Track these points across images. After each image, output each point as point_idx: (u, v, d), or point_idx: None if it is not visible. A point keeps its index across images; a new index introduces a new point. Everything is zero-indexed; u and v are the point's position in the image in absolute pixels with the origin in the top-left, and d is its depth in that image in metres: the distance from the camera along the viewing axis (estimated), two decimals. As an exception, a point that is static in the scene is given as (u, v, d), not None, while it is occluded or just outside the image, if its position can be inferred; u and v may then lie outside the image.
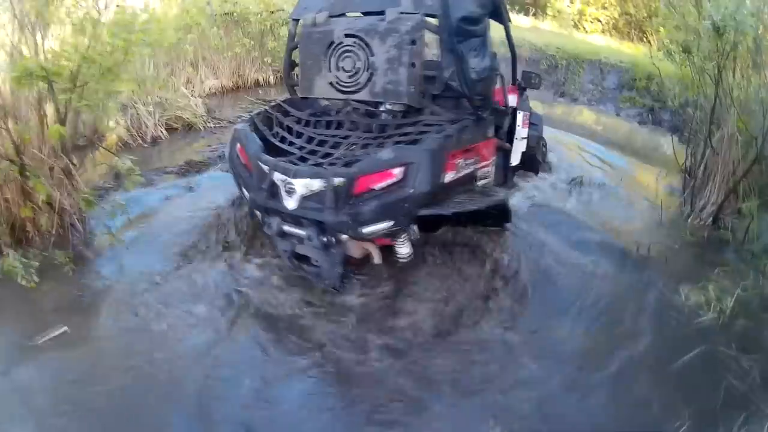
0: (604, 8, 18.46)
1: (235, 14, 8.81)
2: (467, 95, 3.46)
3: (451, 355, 2.96)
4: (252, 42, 8.88)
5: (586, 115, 9.01)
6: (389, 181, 3.01)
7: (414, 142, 3.24)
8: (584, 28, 18.19)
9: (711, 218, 4.62)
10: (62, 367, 2.77)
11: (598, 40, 14.95)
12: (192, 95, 7.35)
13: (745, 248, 4.19)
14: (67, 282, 3.43)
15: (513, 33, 4.32)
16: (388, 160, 3.04)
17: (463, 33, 3.34)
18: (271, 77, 9.30)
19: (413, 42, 3.33)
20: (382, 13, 3.48)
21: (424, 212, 3.14)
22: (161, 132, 6.41)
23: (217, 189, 4.57)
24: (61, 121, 3.78)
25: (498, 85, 3.97)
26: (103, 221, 4.05)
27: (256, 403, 2.62)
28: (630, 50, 11.43)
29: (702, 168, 4.93)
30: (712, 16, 4.02)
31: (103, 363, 2.85)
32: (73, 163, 3.96)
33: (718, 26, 3.99)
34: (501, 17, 4.10)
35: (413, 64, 3.36)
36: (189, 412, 2.54)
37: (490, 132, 3.79)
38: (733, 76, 4.56)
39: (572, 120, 7.91)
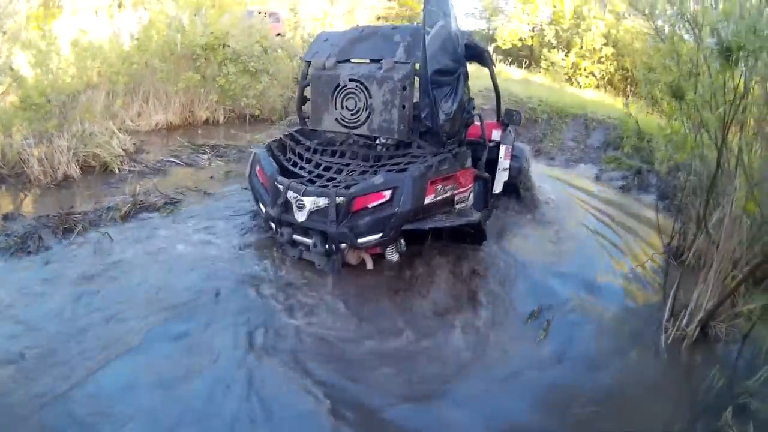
0: (600, 62, 17.95)
1: (180, 45, 8.05)
2: (436, 131, 3.95)
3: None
4: (200, 77, 8.09)
5: (559, 178, 7.51)
6: (380, 201, 3.66)
7: (402, 170, 3.83)
8: (578, 82, 17.63)
9: (698, 329, 3.38)
10: None
11: (591, 94, 14.29)
12: (120, 131, 6.89)
13: (742, 386, 2.99)
14: None
15: (501, 84, 4.99)
16: (379, 183, 3.68)
17: (436, 82, 3.83)
18: (221, 117, 8.58)
19: (404, 88, 3.99)
20: (380, 60, 4.16)
21: (407, 227, 3.77)
22: (74, 170, 5.86)
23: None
24: None
25: (477, 123, 4.56)
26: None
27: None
28: (622, 105, 10.58)
29: (691, 253, 3.89)
30: (718, 30, 2.68)
31: None
32: None
33: (728, 46, 2.58)
34: (485, 62, 4.77)
35: (403, 107, 4.02)
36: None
37: (468, 163, 4.29)
38: (741, 134, 3.29)
39: (540, 184, 6.29)
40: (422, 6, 3.82)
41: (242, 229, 4.64)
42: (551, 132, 9.23)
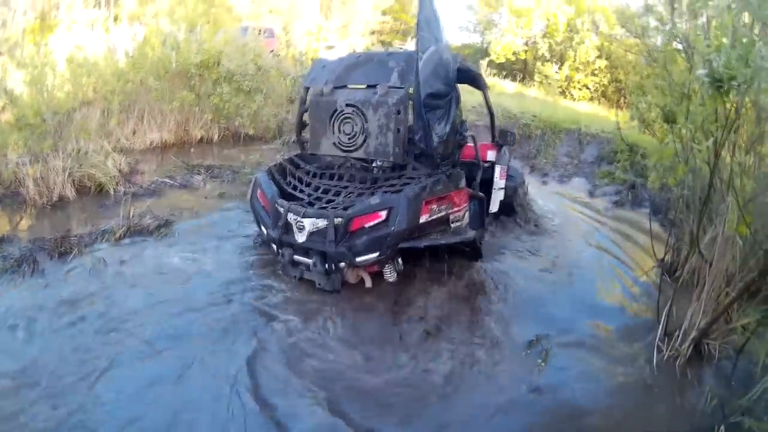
0: (594, 75, 18.04)
1: (174, 63, 8.10)
2: (430, 153, 4.10)
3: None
4: (194, 96, 8.14)
5: (554, 194, 7.44)
6: (376, 221, 3.79)
7: (398, 191, 3.95)
8: (571, 95, 17.72)
9: (692, 347, 3.36)
10: None
11: (584, 107, 14.36)
12: (115, 149, 6.98)
13: (735, 405, 2.98)
14: None
15: (494, 99, 4.99)
16: (376, 204, 3.82)
17: (429, 105, 3.98)
18: (216, 135, 8.63)
19: (398, 112, 4.14)
20: (376, 85, 4.29)
21: (403, 245, 3.87)
22: (69, 191, 5.87)
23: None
24: None
25: (470, 144, 4.67)
26: None
27: None
28: (615, 121, 10.61)
29: (685, 270, 3.90)
30: (711, 61, 2.55)
31: None
32: None
33: (719, 78, 2.52)
34: (479, 85, 4.85)
35: (398, 130, 4.16)
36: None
37: (462, 183, 4.35)
38: (732, 156, 3.27)
39: (535, 201, 6.30)
40: (414, 27, 4.00)
41: (238, 250, 4.66)
42: (545, 148, 9.25)
